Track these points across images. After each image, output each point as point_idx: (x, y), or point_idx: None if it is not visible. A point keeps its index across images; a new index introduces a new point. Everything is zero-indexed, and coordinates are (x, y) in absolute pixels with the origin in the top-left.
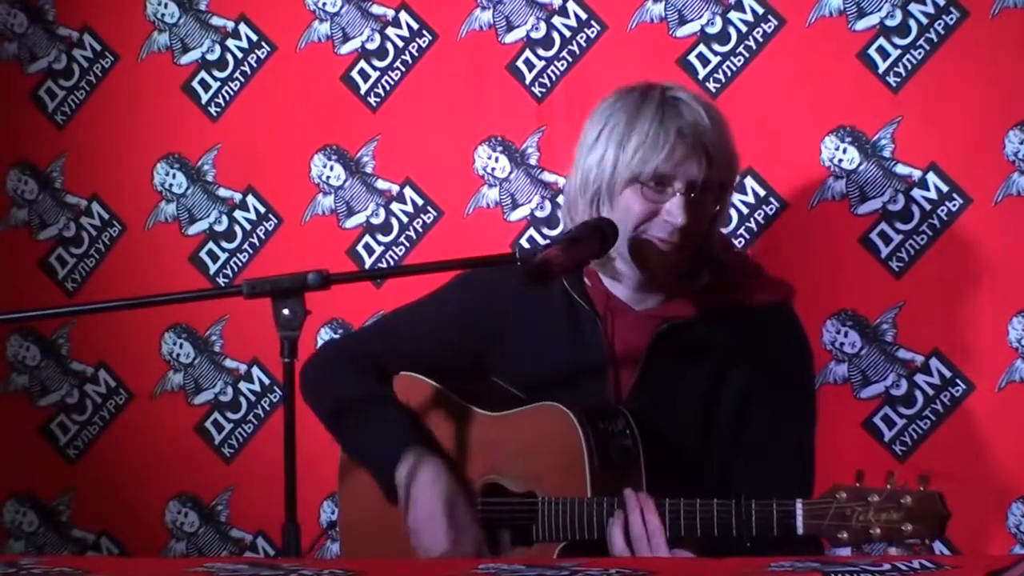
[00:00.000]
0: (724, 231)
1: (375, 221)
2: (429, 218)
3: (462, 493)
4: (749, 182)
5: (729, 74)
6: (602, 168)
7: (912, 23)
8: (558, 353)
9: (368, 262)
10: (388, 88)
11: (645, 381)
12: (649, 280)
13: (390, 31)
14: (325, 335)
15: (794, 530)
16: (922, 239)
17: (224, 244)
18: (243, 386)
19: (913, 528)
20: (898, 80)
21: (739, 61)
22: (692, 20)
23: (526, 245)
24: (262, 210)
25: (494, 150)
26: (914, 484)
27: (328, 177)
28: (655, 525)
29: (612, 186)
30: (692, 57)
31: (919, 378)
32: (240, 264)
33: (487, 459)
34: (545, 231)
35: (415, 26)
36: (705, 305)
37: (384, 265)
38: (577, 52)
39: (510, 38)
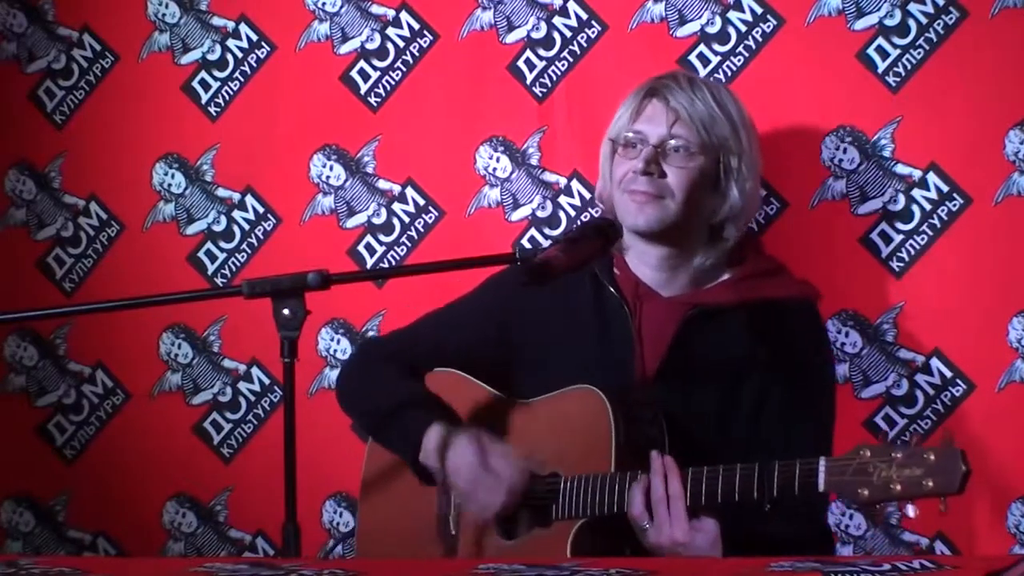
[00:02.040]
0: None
1: (377, 221)
2: (431, 218)
3: (497, 444)
4: None
5: (729, 74)
6: (603, 146)
7: (911, 23)
8: (587, 338)
9: (370, 262)
10: (389, 88)
11: (671, 366)
12: (648, 241)
13: (390, 31)
14: (326, 335)
15: (815, 488)
16: (922, 239)
17: (222, 244)
18: (242, 386)
19: (934, 483)
20: (898, 80)
21: (739, 61)
22: (692, 20)
23: (527, 245)
24: (261, 210)
25: (495, 150)
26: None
27: (328, 177)
28: (676, 491)
29: (606, 158)
30: (692, 57)
31: (920, 378)
32: (238, 264)
33: (516, 445)
34: (546, 231)
35: (416, 26)
36: (732, 294)
37: (386, 265)
38: (578, 52)
39: (511, 38)
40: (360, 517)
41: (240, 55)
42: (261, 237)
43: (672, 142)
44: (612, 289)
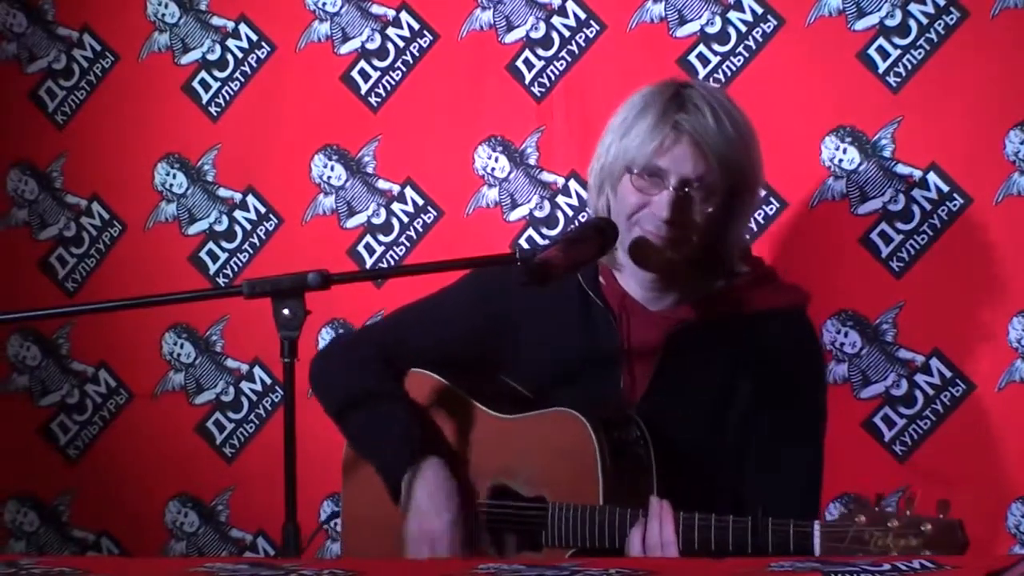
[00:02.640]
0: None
1: (376, 221)
2: (430, 218)
3: (466, 513)
4: None
5: (729, 74)
6: (607, 156)
7: (912, 23)
8: (572, 350)
9: (369, 262)
10: (389, 88)
11: (659, 381)
12: (646, 271)
13: (390, 31)
14: (326, 335)
15: (811, 550)
16: (922, 239)
17: (224, 244)
18: (244, 386)
19: (932, 556)
20: (898, 80)
21: (739, 61)
22: (692, 20)
23: (525, 245)
24: (262, 210)
25: (494, 150)
26: (933, 510)
27: (329, 177)
28: (669, 538)
29: (613, 174)
30: (692, 57)
31: (919, 378)
32: (240, 264)
33: (497, 461)
34: (544, 231)
35: (416, 26)
36: (719, 308)
37: (385, 265)
38: (576, 52)
39: (510, 38)
40: (343, 507)
41: (240, 55)
42: (263, 237)
43: (695, 185)
44: (597, 299)
